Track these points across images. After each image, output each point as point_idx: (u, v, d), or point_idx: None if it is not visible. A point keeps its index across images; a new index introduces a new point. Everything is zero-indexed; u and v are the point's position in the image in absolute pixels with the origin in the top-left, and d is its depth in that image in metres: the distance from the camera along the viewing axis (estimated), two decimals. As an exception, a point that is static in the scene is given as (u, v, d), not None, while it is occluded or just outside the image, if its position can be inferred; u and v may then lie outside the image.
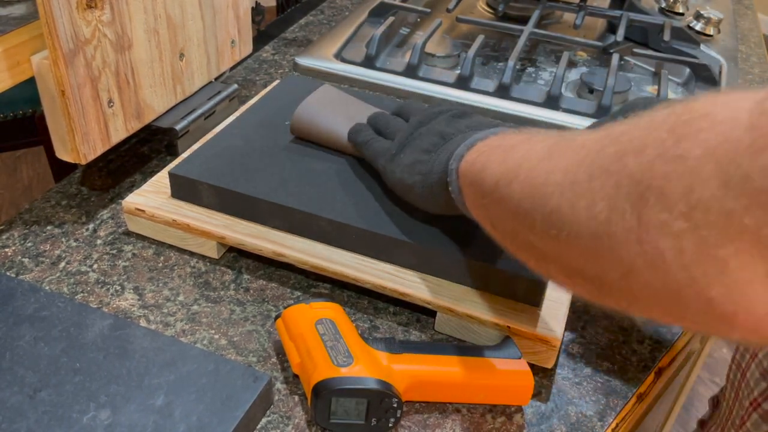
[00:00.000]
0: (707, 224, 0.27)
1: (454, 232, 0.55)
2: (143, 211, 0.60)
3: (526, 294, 0.52)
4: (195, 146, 0.69)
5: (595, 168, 0.33)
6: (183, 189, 0.60)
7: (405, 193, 0.54)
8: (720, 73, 0.94)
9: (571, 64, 0.95)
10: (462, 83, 0.85)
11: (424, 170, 0.51)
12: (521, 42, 0.90)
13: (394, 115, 0.61)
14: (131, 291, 0.57)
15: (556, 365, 0.53)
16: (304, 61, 0.90)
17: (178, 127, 0.70)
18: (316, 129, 0.64)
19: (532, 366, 0.50)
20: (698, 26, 1.03)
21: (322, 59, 0.90)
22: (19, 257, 0.60)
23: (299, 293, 0.58)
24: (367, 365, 0.46)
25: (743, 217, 0.26)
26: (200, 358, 0.48)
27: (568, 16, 1.09)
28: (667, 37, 0.95)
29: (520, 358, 0.49)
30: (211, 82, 0.77)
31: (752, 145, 0.26)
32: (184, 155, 0.65)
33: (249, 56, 0.92)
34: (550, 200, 0.36)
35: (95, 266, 0.59)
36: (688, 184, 0.28)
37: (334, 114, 0.64)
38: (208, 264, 0.60)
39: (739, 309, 0.28)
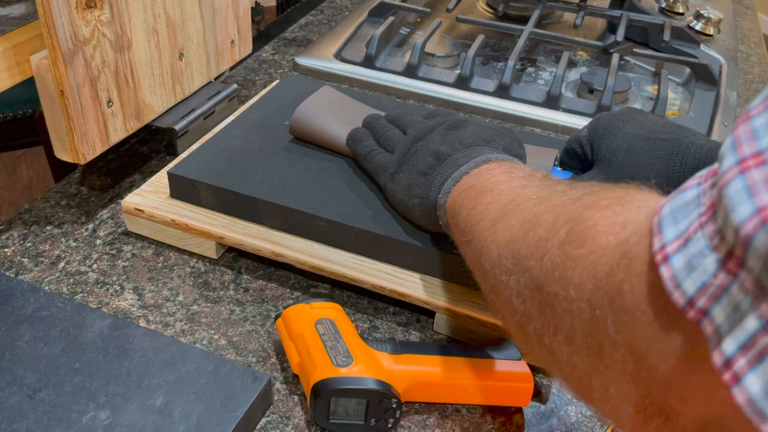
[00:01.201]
0: (586, 352, 0.28)
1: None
2: (142, 211, 0.60)
3: None
4: (194, 146, 0.69)
5: (515, 256, 0.34)
6: (182, 189, 0.60)
7: (406, 214, 0.54)
8: (720, 72, 0.94)
9: (571, 64, 0.95)
10: (462, 83, 0.85)
11: (421, 194, 0.51)
12: (521, 42, 0.89)
13: (390, 124, 0.61)
14: (131, 291, 0.57)
15: (555, 365, 0.53)
16: (303, 61, 0.90)
17: (177, 127, 0.70)
18: (314, 131, 0.64)
19: (531, 366, 0.50)
20: (698, 26, 1.03)
21: (321, 59, 0.90)
22: (19, 257, 0.60)
23: (299, 293, 0.58)
24: (367, 365, 0.46)
25: (614, 354, 0.26)
26: (200, 358, 0.47)
27: (568, 16, 1.09)
28: (667, 36, 0.95)
29: (520, 359, 0.49)
30: (210, 82, 0.77)
31: (619, 287, 0.26)
32: (184, 155, 0.65)
33: (249, 56, 0.92)
34: (487, 277, 0.38)
35: (95, 266, 0.59)
36: (569, 309, 0.28)
37: (333, 116, 0.64)
38: (208, 264, 0.60)
39: (623, 426, 0.28)
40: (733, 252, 0.20)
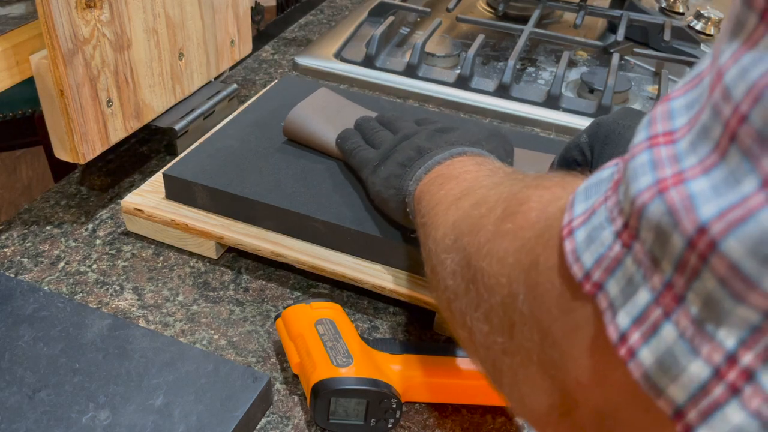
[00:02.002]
0: (499, 330, 0.28)
1: None
2: (142, 211, 0.60)
3: None
4: (193, 146, 0.69)
5: (456, 234, 0.35)
6: (177, 190, 0.60)
7: (382, 205, 0.54)
8: (720, 72, 0.94)
9: (572, 63, 0.95)
10: (462, 83, 0.85)
11: (396, 184, 0.51)
12: (521, 42, 0.89)
13: (381, 126, 0.61)
14: (130, 291, 0.57)
15: (556, 365, 0.53)
16: (303, 60, 0.90)
17: (177, 126, 0.70)
18: (306, 134, 0.64)
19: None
20: (698, 26, 1.03)
21: (321, 59, 0.90)
22: (19, 257, 0.60)
23: (298, 293, 0.58)
24: (367, 366, 0.46)
25: (523, 332, 0.26)
26: (199, 358, 0.47)
27: (569, 16, 1.09)
28: (667, 36, 0.95)
29: (520, 359, 0.49)
30: (210, 82, 0.77)
31: (535, 260, 0.26)
32: (182, 156, 0.65)
33: (248, 56, 0.92)
34: (430, 257, 0.38)
35: (94, 266, 0.59)
36: (489, 285, 0.28)
37: (326, 119, 0.64)
38: (208, 264, 0.60)
39: (528, 420, 0.28)
40: (629, 223, 0.20)
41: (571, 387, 0.24)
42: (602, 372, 0.22)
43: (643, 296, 0.19)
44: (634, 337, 0.20)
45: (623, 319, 0.20)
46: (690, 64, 0.92)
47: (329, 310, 0.50)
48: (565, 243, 0.23)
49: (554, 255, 0.24)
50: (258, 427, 0.47)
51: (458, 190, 0.41)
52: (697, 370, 0.18)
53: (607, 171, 0.24)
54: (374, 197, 0.55)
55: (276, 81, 0.79)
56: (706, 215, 0.17)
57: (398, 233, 0.55)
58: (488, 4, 1.11)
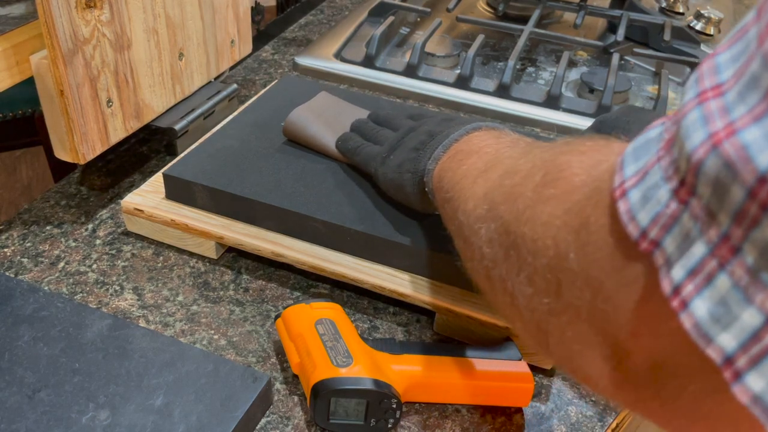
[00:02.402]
0: (545, 291, 0.28)
1: (448, 234, 0.55)
2: (142, 211, 0.60)
3: None
4: (194, 146, 0.69)
5: (490, 204, 0.35)
6: (177, 190, 0.60)
7: (396, 192, 0.54)
8: (720, 72, 0.94)
9: (572, 63, 0.95)
10: (462, 83, 0.85)
11: (412, 168, 0.51)
12: (521, 42, 0.89)
13: (379, 126, 0.62)
14: (130, 291, 0.57)
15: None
16: (303, 60, 0.90)
17: (177, 126, 0.70)
18: (306, 136, 0.64)
19: (532, 366, 0.50)
20: (698, 26, 1.03)
21: (321, 59, 0.90)
22: (18, 257, 0.60)
23: (299, 293, 0.58)
24: (367, 366, 0.46)
25: (572, 290, 0.27)
26: (199, 358, 0.47)
27: (568, 16, 1.09)
28: (667, 36, 0.95)
29: (520, 360, 0.49)
30: (210, 82, 0.77)
31: (586, 221, 0.26)
32: (181, 156, 0.65)
33: (249, 56, 0.92)
34: (462, 229, 0.38)
35: (94, 266, 0.59)
36: (533, 248, 0.29)
37: (325, 124, 0.64)
38: (208, 264, 0.60)
39: (578, 376, 0.29)
40: (685, 180, 0.21)
41: (623, 339, 0.24)
42: (655, 323, 0.23)
43: (698, 249, 0.20)
44: (688, 288, 0.20)
45: (678, 272, 0.21)
46: (690, 64, 0.92)
47: (329, 310, 0.50)
48: (618, 204, 0.24)
49: (605, 215, 0.25)
50: (258, 427, 0.47)
51: (482, 162, 0.41)
52: (750, 317, 0.18)
53: (654, 131, 0.24)
54: (387, 186, 0.55)
55: (276, 81, 0.79)
56: (765, 164, 0.18)
57: (398, 233, 0.55)
58: (488, 4, 1.11)
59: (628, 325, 0.24)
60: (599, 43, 0.95)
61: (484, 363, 0.48)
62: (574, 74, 0.92)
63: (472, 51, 0.85)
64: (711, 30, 1.02)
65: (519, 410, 0.50)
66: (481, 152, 0.43)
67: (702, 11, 1.03)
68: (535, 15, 0.98)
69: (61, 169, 0.83)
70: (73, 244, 0.62)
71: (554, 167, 0.31)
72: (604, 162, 0.28)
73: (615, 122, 0.56)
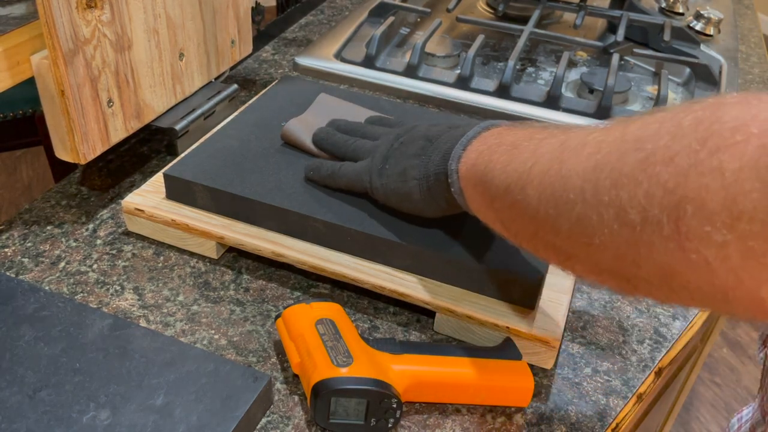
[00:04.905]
0: (752, 234, 0.27)
1: (448, 234, 0.55)
2: (142, 211, 0.60)
3: (521, 296, 0.52)
4: (194, 146, 0.69)
5: (618, 175, 0.33)
6: (178, 190, 0.60)
7: (402, 201, 0.53)
8: (720, 73, 0.94)
9: (571, 64, 0.95)
10: (462, 83, 0.85)
11: (418, 175, 0.50)
12: (521, 42, 0.89)
13: (350, 136, 0.60)
14: (131, 291, 0.57)
15: (555, 365, 0.53)
16: (304, 61, 0.90)
17: (177, 127, 0.70)
18: (303, 147, 0.64)
19: (532, 366, 0.50)
20: (698, 26, 1.03)
21: (322, 59, 0.90)
22: (19, 257, 0.60)
23: (299, 293, 0.58)
24: (367, 365, 0.46)
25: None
26: (200, 358, 0.47)
27: (568, 16, 1.09)
28: (667, 37, 0.95)
29: (520, 360, 0.49)
30: (210, 82, 0.77)
31: None
32: (181, 156, 0.65)
33: (249, 56, 0.92)
34: (574, 208, 0.35)
35: (95, 266, 0.59)
36: (730, 196, 0.28)
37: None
38: (208, 264, 0.60)
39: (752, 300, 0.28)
40: None
41: None
42: None
43: None
44: None
45: None
46: (690, 65, 0.92)
47: (329, 310, 0.50)
48: None
49: None
50: (258, 426, 0.47)
51: (548, 147, 0.39)
52: None
53: None
54: (389, 196, 0.54)
55: (276, 81, 0.79)
56: None
57: (398, 233, 0.55)
58: (488, 5, 1.11)
59: None
60: (599, 44, 0.95)
61: (484, 363, 0.49)
62: (574, 74, 0.92)
63: (472, 51, 0.86)
64: (711, 30, 1.03)
65: (519, 410, 0.50)
66: (533, 139, 0.41)
67: (702, 11, 1.03)
68: (535, 15, 0.98)
69: (61, 169, 0.83)
70: (74, 244, 0.62)
71: (716, 120, 0.29)
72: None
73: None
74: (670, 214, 0.30)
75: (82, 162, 0.60)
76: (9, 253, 0.60)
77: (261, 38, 0.97)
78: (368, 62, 0.89)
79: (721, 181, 0.28)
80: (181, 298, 0.57)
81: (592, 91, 0.86)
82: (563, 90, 0.85)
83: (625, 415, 0.51)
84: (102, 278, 0.58)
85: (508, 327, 0.51)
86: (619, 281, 0.35)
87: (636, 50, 0.93)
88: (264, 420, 0.48)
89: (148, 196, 0.62)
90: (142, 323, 0.54)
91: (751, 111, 0.29)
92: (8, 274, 0.58)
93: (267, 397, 0.48)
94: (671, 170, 0.30)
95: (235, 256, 0.61)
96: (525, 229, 0.41)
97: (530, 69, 0.95)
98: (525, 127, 0.44)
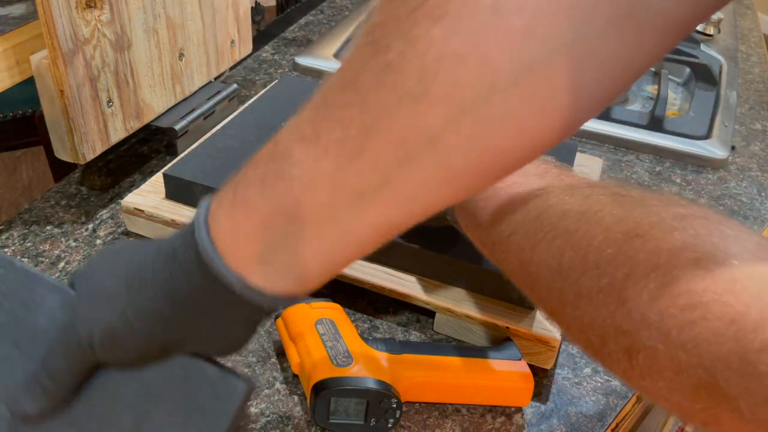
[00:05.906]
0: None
1: (448, 234, 0.55)
2: (142, 211, 0.60)
3: (521, 296, 0.52)
4: (194, 146, 0.69)
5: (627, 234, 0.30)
6: (177, 190, 0.60)
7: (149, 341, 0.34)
8: (720, 72, 0.94)
9: (571, 63, 0.95)
10: (462, 83, 0.85)
11: (168, 286, 0.32)
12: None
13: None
14: (131, 291, 0.57)
15: (555, 365, 0.53)
16: (303, 60, 0.90)
17: (177, 126, 0.70)
18: None
19: (531, 366, 0.50)
20: (698, 26, 1.03)
21: (321, 59, 0.90)
22: (19, 257, 0.60)
23: (299, 293, 0.58)
24: (367, 365, 0.46)
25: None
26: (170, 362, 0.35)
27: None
28: (667, 36, 0.95)
29: (520, 360, 0.49)
30: (210, 82, 0.77)
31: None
32: (181, 156, 0.65)
33: (249, 56, 0.92)
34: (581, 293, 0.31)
35: (95, 266, 0.59)
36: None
37: None
38: (208, 264, 0.60)
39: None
40: None
41: None
42: None
43: None
44: None
45: None
46: (690, 64, 0.92)
47: (329, 310, 0.50)
48: None
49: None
50: (258, 426, 0.47)
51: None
52: None
53: None
54: (146, 351, 0.35)
55: (276, 81, 0.79)
56: None
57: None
58: (488, 5, 1.11)
59: None
60: (599, 43, 0.95)
61: (484, 363, 0.49)
62: (574, 74, 0.92)
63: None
64: (711, 30, 1.03)
65: (519, 410, 0.50)
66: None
67: (702, 11, 1.03)
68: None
69: (61, 169, 0.83)
70: (74, 244, 0.62)
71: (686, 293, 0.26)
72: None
73: None
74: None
75: (82, 162, 0.60)
76: (9, 253, 0.60)
77: (261, 38, 0.97)
78: (368, 62, 0.88)
79: None
80: (180, 298, 0.57)
81: (592, 91, 0.85)
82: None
83: (625, 415, 0.51)
84: (102, 278, 0.58)
85: (508, 327, 0.51)
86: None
87: (636, 50, 0.93)
88: (264, 420, 0.48)
89: (147, 196, 0.62)
90: (142, 323, 0.54)
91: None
92: (8, 274, 0.58)
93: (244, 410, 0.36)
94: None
95: (235, 256, 0.61)
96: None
97: (530, 69, 0.94)
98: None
